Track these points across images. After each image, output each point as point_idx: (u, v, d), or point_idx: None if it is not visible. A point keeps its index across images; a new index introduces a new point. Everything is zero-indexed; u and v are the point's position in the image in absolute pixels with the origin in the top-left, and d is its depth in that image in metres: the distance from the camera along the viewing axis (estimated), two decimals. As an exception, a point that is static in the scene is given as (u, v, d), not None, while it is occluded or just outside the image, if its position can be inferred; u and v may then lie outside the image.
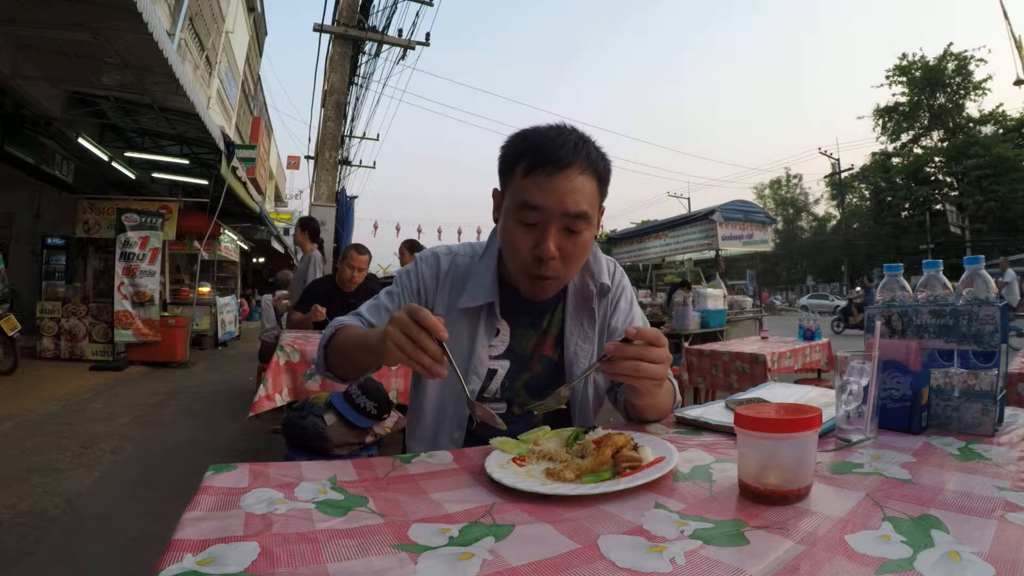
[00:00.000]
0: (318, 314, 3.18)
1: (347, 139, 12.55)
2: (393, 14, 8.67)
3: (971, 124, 30.53)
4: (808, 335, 3.90)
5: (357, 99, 10.96)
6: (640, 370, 0.74)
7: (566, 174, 0.83)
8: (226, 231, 10.68)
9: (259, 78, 17.48)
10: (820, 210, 46.06)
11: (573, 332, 1.03)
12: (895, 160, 33.37)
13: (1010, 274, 9.71)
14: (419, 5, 8.68)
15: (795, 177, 47.07)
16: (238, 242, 12.65)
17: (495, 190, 0.97)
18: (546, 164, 0.83)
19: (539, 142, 0.85)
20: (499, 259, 1.01)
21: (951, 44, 35.29)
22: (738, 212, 7.84)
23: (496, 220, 0.98)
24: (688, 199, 37.97)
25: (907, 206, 31.58)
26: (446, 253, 1.05)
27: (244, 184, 7.81)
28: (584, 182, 0.85)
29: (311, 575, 0.42)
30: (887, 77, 32.90)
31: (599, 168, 0.88)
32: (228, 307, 10.15)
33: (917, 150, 32.52)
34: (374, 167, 16.01)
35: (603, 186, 0.90)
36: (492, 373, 0.99)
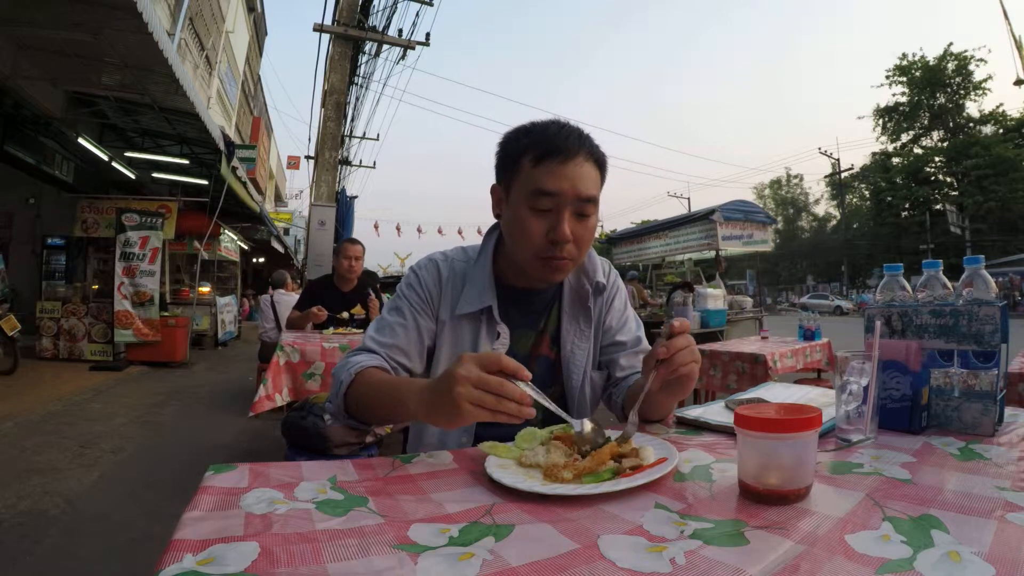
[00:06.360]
0: (317, 316, 3.17)
1: (347, 139, 12.56)
2: (393, 14, 8.67)
3: (971, 124, 30.55)
4: (808, 335, 3.89)
5: (357, 99, 10.97)
6: (696, 355, 0.79)
7: (575, 161, 0.87)
8: (226, 231, 10.67)
9: (259, 78, 17.47)
10: (820, 210, 46.09)
11: (569, 331, 1.04)
12: (895, 160, 33.38)
13: None
14: (419, 5, 8.67)
15: (795, 177, 47.08)
16: (238, 242, 12.65)
17: (494, 186, 0.98)
18: (557, 153, 0.87)
19: (545, 134, 0.89)
20: (494, 261, 1.02)
21: (951, 44, 35.33)
22: (738, 212, 7.83)
23: (497, 216, 0.99)
24: (688, 199, 38.00)
25: (907, 206, 31.58)
26: (443, 259, 1.04)
27: (244, 184, 7.81)
28: (590, 169, 0.89)
29: (311, 575, 0.42)
30: (887, 77, 32.96)
31: (599, 158, 0.92)
32: (228, 307, 10.14)
33: (917, 150, 32.54)
34: (374, 167, 16.05)
35: (603, 175, 0.94)
36: None
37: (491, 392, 0.65)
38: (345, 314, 3.28)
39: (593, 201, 0.90)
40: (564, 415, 0.74)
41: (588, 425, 0.74)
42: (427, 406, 0.72)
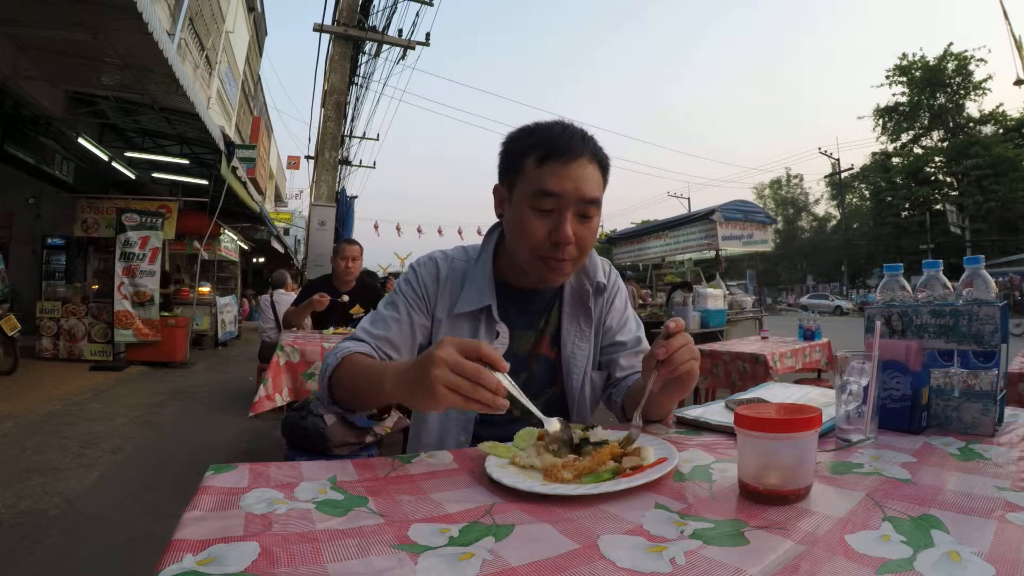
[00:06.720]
0: (320, 303, 3.15)
1: (347, 139, 12.57)
2: (393, 14, 8.68)
3: (971, 124, 30.55)
4: (808, 335, 3.89)
5: (357, 99, 10.98)
6: (694, 352, 0.79)
7: (579, 163, 0.87)
8: (226, 231, 10.67)
9: (259, 78, 17.47)
10: (820, 210, 46.10)
11: (570, 331, 1.04)
12: (895, 160, 33.39)
13: None
14: (419, 5, 8.68)
15: (795, 177, 47.09)
16: (238, 242, 12.64)
17: (497, 186, 0.98)
18: (561, 154, 0.87)
19: (549, 135, 0.89)
20: (494, 261, 1.02)
21: (951, 44, 35.31)
22: (738, 212, 7.84)
23: (499, 215, 0.99)
24: (688, 199, 38.01)
25: (907, 206, 31.60)
26: (443, 258, 1.04)
27: (244, 184, 7.81)
28: (593, 171, 0.90)
29: (311, 575, 0.42)
30: (887, 77, 32.97)
31: (603, 159, 0.92)
32: (228, 307, 10.14)
33: (917, 150, 32.55)
34: (374, 167, 16.06)
35: (606, 177, 0.94)
36: None
37: (467, 378, 0.64)
38: (345, 297, 3.28)
39: (596, 203, 0.90)
40: (536, 411, 0.74)
41: (556, 424, 0.74)
42: (405, 387, 0.71)
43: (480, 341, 0.69)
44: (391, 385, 0.75)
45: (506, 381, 0.68)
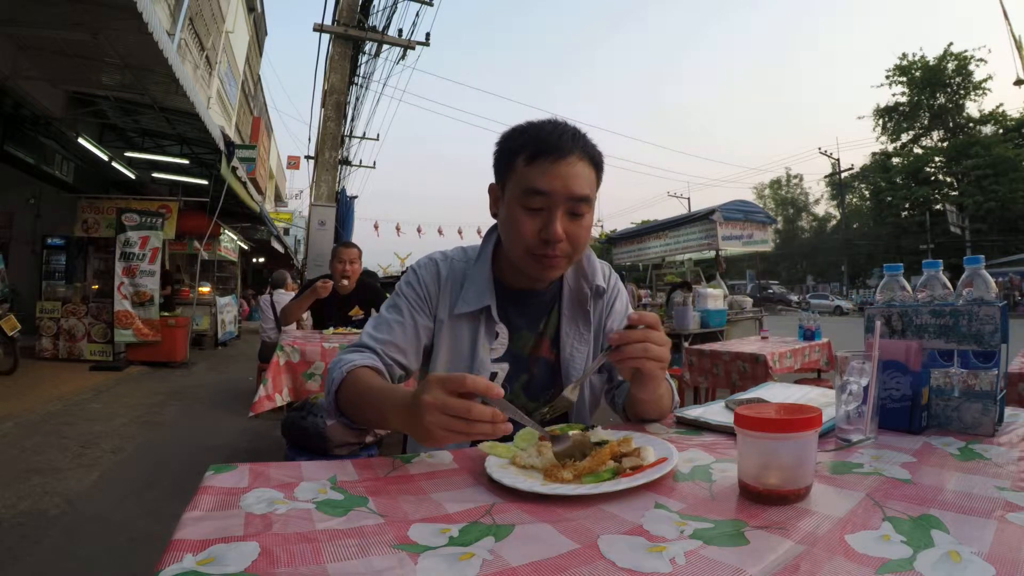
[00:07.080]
0: (324, 288, 3.11)
1: (347, 139, 12.56)
2: (393, 14, 8.68)
3: (971, 124, 30.59)
4: (808, 335, 3.89)
5: (357, 99, 10.97)
6: (649, 351, 0.76)
7: (568, 161, 0.87)
8: (226, 231, 10.67)
9: (259, 78, 17.47)
10: (820, 210, 46.18)
11: (569, 333, 1.04)
12: (895, 160, 33.43)
13: None
14: (419, 5, 8.68)
15: (795, 177, 47.14)
16: (238, 242, 12.64)
17: (491, 185, 0.98)
18: (550, 152, 0.87)
19: (539, 134, 0.89)
20: (493, 261, 1.02)
21: (951, 44, 35.39)
22: (738, 212, 7.83)
23: (494, 214, 1.00)
24: (688, 199, 38.02)
25: (907, 206, 31.64)
26: (443, 259, 1.04)
27: (244, 184, 7.81)
28: (584, 168, 0.89)
29: (311, 575, 0.42)
30: (887, 77, 33.03)
31: (595, 157, 0.92)
32: (228, 307, 10.14)
33: (917, 150, 32.60)
34: (374, 167, 16.05)
35: (598, 174, 0.94)
36: (492, 376, 1.00)
37: (460, 417, 0.63)
38: (345, 282, 3.25)
39: (586, 200, 0.89)
40: (537, 427, 0.73)
41: (573, 434, 0.75)
42: (406, 427, 0.71)
43: (466, 373, 0.67)
44: (394, 421, 0.74)
45: (500, 407, 0.66)
